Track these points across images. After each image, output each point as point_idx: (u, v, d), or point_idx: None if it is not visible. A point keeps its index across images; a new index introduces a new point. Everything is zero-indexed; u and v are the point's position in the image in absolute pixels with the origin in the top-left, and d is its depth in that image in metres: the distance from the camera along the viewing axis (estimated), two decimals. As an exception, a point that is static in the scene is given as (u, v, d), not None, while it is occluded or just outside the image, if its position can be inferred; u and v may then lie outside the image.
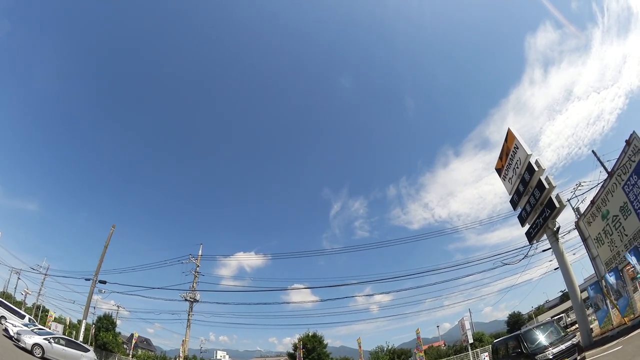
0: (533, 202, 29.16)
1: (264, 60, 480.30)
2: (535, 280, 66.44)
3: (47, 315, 77.34)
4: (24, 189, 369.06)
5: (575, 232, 34.43)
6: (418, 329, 49.97)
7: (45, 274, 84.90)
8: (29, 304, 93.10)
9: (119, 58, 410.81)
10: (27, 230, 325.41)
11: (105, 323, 74.48)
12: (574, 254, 41.35)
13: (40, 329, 44.59)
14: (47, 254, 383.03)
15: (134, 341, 67.63)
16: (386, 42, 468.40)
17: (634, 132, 23.31)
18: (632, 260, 21.71)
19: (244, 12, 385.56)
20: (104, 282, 54.31)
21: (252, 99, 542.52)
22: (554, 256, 30.58)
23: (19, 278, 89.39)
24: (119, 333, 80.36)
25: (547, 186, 27.18)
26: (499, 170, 34.14)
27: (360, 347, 59.36)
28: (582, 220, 31.92)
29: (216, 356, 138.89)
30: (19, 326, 39.47)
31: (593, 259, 30.46)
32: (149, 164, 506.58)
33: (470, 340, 60.94)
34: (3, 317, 35.47)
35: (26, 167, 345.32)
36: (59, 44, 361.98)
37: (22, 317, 37.02)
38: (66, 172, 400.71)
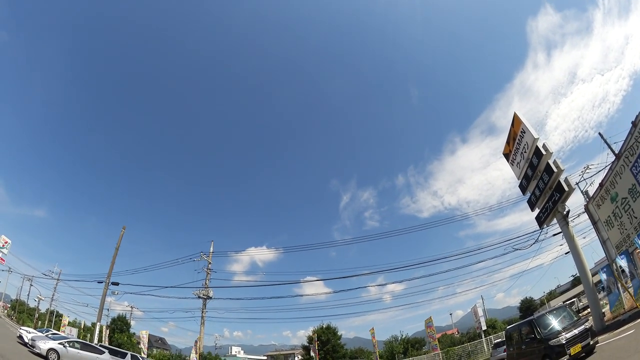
0: (542, 186, 29.01)
1: (268, 53, 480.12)
2: (546, 265, 66.63)
3: (61, 320, 78.04)
4: (31, 195, 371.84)
5: (585, 216, 34.24)
6: (428, 318, 50.10)
7: (58, 279, 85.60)
8: (43, 310, 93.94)
9: (120, 61, 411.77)
10: (37, 237, 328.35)
11: (120, 324, 75.20)
12: (584, 238, 41.23)
13: (54, 333, 45.00)
14: (58, 259, 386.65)
15: (144, 339, 67.84)
16: (389, 33, 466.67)
17: (639, 113, 23.11)
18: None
19: (250, 6, 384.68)
20: (116, 284, 54.65)
21: (257, 93, 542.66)
22: (564, 240, 30.45)
23: (31, 285, 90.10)
24: (134, 333, 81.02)
25: (555, 170, 27.01)
26: (506, 155, 33.98)
27: (373, 337, 59.33)
28: (592, 204, 31.71)
29: (231, 352, 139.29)
30: (33, 332, 39.82)
31: (603, 242, 30.25)
32: (156, 163, 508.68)
33: (484, 327, 60.89)
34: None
35: (32, 174, 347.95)
36: (59, 49, 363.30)
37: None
38: (73, 176, 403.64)
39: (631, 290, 23.57)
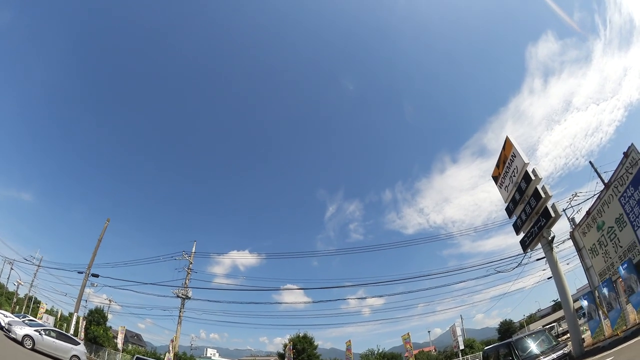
0: (529, 210, 29.17)
1: (263, 62, 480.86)
2: (528, 289, 66.96)
3: (38, 307, 77.17)
4: (19, 178, 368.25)
5: (570, 242, 34.44)
6: (406, 334, 49.77)
7: (39, 266, 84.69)
8: (21, 295, 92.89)
9: (118, 54, 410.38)
10: (21, 220, 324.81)
11: (97, 317, 74.34)
12: (567, 264, 41.51)
13: (31, 320, 44.55)
14: (41, 244, 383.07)
15: (121, 334, 66.97)
16: (387, 46, 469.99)
17: (632, 144, 23.32)
18: (624, 274, 21.79)
19: (246, 11, 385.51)
20: (96, 276, 54.15)
21: (249, 99, 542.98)
22: (547, 265, 30.62)
23: (12, 268, 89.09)
24: (110, 327, 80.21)
25: (543, 195, 27.19)
26: (495, 178, 34.18)
27: (348, 350, 58.51)
28: (577, 231, 31.93)
29: (206, 354, 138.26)
30: (10, 317, 39.42)
31: (587, 269, 30.45)
32: (145, 160, 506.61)
33: (461, 347, 61.13)
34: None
35: (22, 157, 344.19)
36: (59, 36, 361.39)
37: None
38: (62, 164, 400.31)
39: (610, 318, 23.73)
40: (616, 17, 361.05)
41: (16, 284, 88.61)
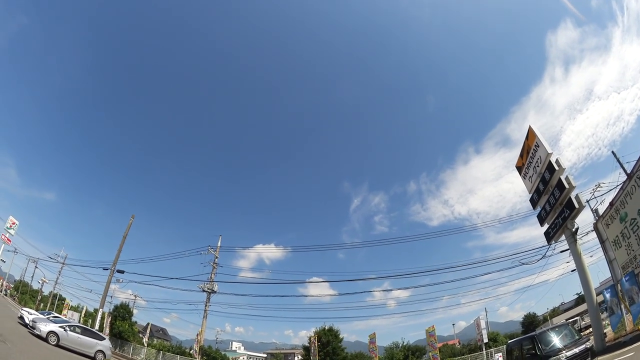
0: (552, 201, 28.72)
1: (287, 52, 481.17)
2: (551, 282, 65.84)
3: (63, 304, 78.64)
4: (42, 178, 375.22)
5: (593, 234, 33.89)
6: (430, 327, 49.56)
7: (63, 263, 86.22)
8: (46, 292, 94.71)
9: (138, 52, 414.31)
10: (45, 220, 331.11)
11: (122, 312, 75.47)
12: (591, 256, 40.73)
13: (55, 316, 45.31)
14: (65, 243, 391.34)
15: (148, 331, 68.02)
16: (407, 38, 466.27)
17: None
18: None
19: (274, 5, 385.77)
20: (122, 272, 54.93)
21: (272, 92, 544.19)
22: (571, 257, 30.14)
23: (36, 267, 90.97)
24: (135, 322, 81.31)
25: (567, 186, 26.74)
26: (519, 168, 33.73)
27: (371, 343, 58.35)
28: (601, 222, 31.37)
29: (231, 347, 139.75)
30: (34, 314, 40.10)
31: (610, 262, 29.94)
32: (169, 156, 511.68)
33: (485, 340, 60.57)
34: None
35: (44, 158, 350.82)
36: (78, 35, 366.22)
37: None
38: (84, 162, 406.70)
39: (632, 313, 23.31)
40: (632, 3, 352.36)
41: (40, 281, 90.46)
